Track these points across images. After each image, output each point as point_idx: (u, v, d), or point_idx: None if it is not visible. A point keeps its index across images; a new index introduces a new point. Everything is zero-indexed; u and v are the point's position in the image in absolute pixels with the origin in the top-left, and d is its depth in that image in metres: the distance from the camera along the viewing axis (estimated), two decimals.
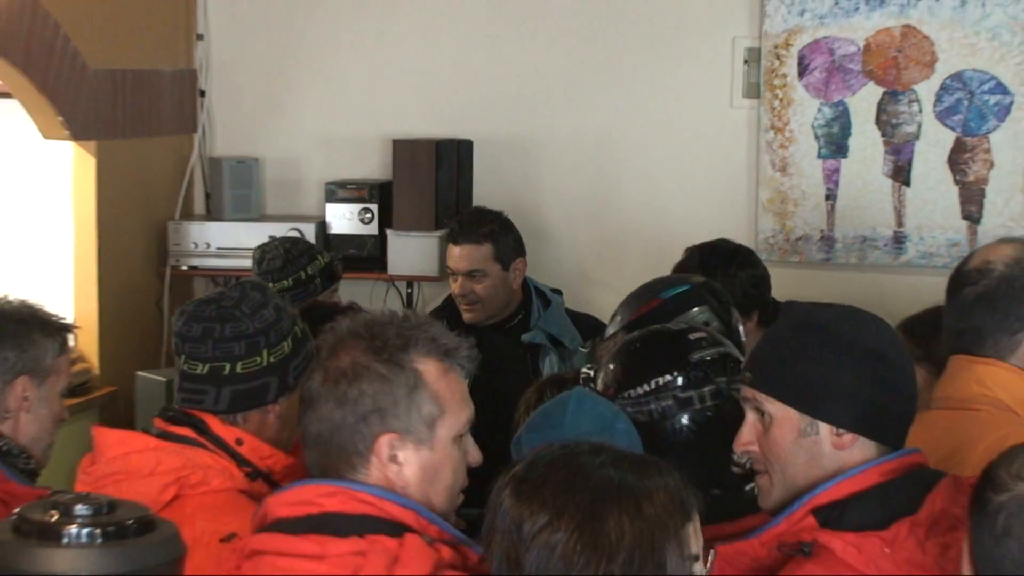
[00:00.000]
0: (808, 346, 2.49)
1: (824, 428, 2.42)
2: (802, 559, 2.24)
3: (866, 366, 2.46)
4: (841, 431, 2.39)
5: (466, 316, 4.69)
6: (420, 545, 2.25)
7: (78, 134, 5.20)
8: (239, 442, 2.92)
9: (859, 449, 2.43)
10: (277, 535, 2.33)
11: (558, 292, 4.93)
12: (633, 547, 1.80)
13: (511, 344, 4.68)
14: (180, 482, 2.82)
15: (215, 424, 2.93)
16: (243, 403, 2.96)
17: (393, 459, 2.29)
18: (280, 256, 4.63)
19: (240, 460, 2.93)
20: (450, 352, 2.34)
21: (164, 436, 2.91)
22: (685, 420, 2.79)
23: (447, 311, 4.80)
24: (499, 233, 4.77)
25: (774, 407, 2.45)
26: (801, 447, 2.45)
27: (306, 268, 4.69)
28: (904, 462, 2.45)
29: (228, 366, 2.95)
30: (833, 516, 2.30)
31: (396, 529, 2.25)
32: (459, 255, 4.70)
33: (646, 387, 2.84)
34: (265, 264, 4.62)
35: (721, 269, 4.17)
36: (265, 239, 4.96)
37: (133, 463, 2.90)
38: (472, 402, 2.61)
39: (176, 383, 3.09)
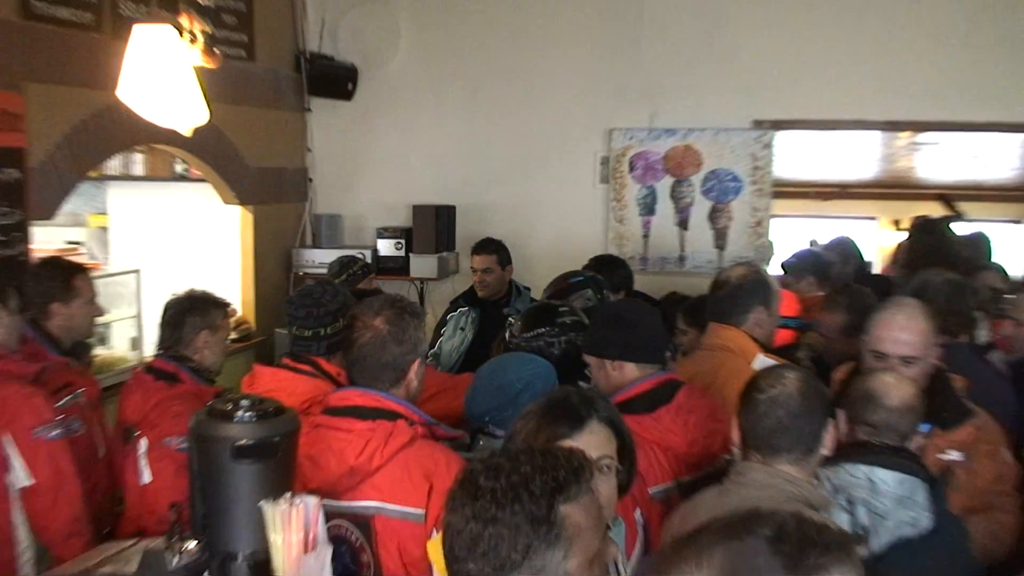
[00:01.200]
0: (601, 322, 3.52)
1: (607, 363, 3.43)
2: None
3: (627, 328, 3.40)
4: (615, 363, 3.39)
5: (480, 293, 6.08)
6: (404, 426, 2.95)
7: (244, 201, 7.07)
8: (338, 373, 3.66)
9: (629, 371, 3.38)
10: (329, 416, 3.01)
11: (528, 288, 6.33)
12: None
13: (499, 315, 5.88)
14: (312, 399, 3.50)
15: (323, 363, 3.77)
16: (333, 349, 3.78)
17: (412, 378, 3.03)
18: (337, 263, 5.90)
19: (338, 384, 3.59)
20: None
21: (294, 370, 3.79)
22: (555, 351, 3.73)
23: (468, 294, 6.23)
24: (500, 249, 6.22)
25: (589, 357, 3.48)
26: (603, 375, 3.45)
27: (350, 268, 5.84)
28: (661, 378, 3.36)
29: (323, 330, 3.83)
30: (625, 407, 3.00)
31: (394, 416, 2.97)
32: (479, 260, 6.17)
33: (531, 333, 3.85)
34: (331, 268, 5.92)
35: (607, 268, 5.43)
36: None
37: (283, 385, 3.69)
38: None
39: (290, 340, 3.95)
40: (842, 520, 2.84)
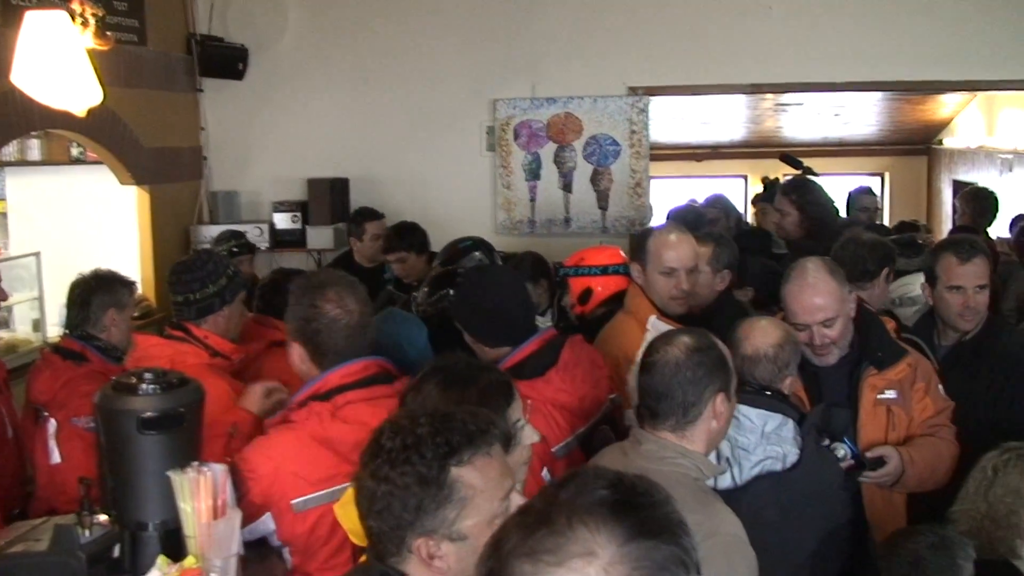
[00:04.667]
0: (464, 301, 3.55)
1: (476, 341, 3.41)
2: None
3: (487, 313, 3.40)
4: (478, 342, 3.39)
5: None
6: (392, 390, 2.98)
7: (140, 182, 6.98)
8: (206, 336, 3.75)
9: (491, 350, 3.35)
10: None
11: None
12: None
13: (379, 279, 5.99)
14: (171, 360, 3.48)
15: (193, 328, 3.76)
16: (203, 313, 3.78)
17: None
18: (218, 237, 6.27)
19: (206, 347, 3.72)
20: None
21: (170, 336, 3.83)
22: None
23: (343, 260, 6.50)
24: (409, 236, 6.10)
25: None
26: (477, 347, 3.40)
27: (227, 241, 6.14)
28: (543, 338, 3.36)
29: (192, 295, 3.78)
30: (516, 373, 2.98)
31: (391, 377, 3.07)
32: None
33: (435, 296, 4.14)
34: (213, 243, 6.28)
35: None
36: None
37: (150, 352, 3.77)
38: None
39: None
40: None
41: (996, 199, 7.29)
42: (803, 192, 5.82)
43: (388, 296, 5.34)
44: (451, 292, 3.92)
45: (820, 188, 5.95)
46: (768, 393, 3.10)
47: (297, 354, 3.07)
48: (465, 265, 4.75)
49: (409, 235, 6.07)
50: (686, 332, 2.84)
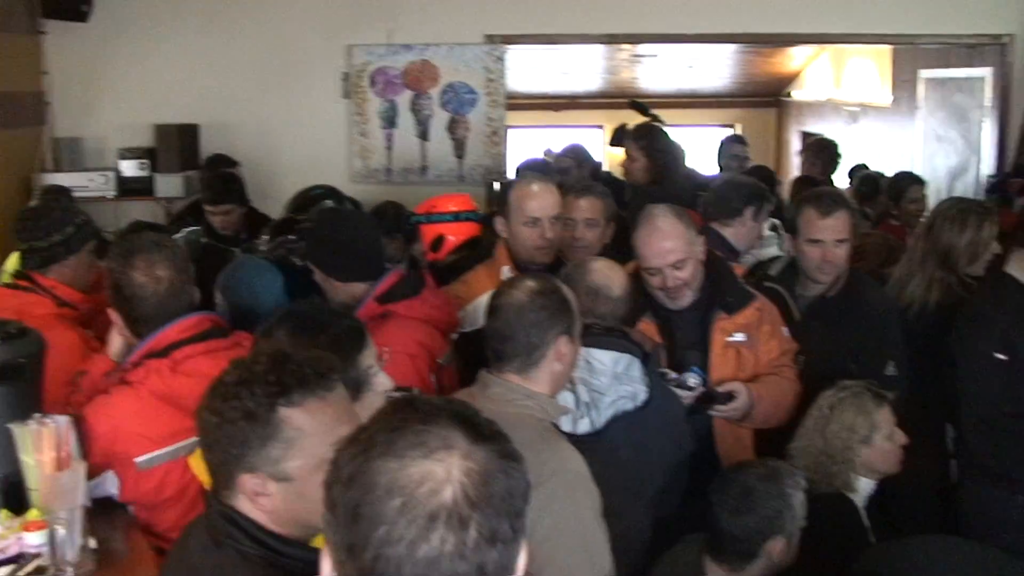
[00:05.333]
0: (320, 238, 3.64)
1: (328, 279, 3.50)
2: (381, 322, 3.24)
3: (344, 248, 3.51)
4: (331, 279, 3.50)
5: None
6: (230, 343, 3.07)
7: None
8: (54, 287, 3.73)
9: (353, 285, 3.47)
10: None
11: None
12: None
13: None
14: (16, 311, 3.42)
15: (38, 277, 3.75)
16: (47, 262, 3.75)
17: None
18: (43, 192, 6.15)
19: (53, 296, 3.72)
20: None
21: (14, 287, 3.81)
22: (296, 259, 3.90)
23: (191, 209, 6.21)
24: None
25: (315, 268, 3.55)
26: (330, 286, 3.55)
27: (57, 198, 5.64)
28: (399, 271, 3.54)
29: (35, 243, 3.77)
30: (388, 297, 3.35)
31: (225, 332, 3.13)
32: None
33: (274, 243, 4.20)
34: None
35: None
36: (85, 183, 6.82)
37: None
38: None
39: None
40: (567, 400, 2.94)
41: (839, 149, 7.61)
42: (650, 138, 5.95)
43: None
44: (291, 238, 3.94)
45: (667, 135, 6.09)
46: (614, 334, 3.15)
47: (115, 319, 3.06)
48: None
49: (235, 185, 5.96)
50: (530, 276, 2.89)
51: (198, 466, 2.11)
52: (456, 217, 4.68)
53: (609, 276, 3.29)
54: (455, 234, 4.65)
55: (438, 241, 4.62)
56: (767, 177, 6.29)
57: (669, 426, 3.17)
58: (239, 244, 5.55)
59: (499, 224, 4.09)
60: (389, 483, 1.32)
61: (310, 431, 1.88)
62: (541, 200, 4.01)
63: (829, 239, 3.96)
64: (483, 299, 3.14)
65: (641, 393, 3.08)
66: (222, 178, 6.09)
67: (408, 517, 1.30)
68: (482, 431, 1.39)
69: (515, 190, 4.09)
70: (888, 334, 4.02)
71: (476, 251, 4.61)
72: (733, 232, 4.46)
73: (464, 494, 1.31)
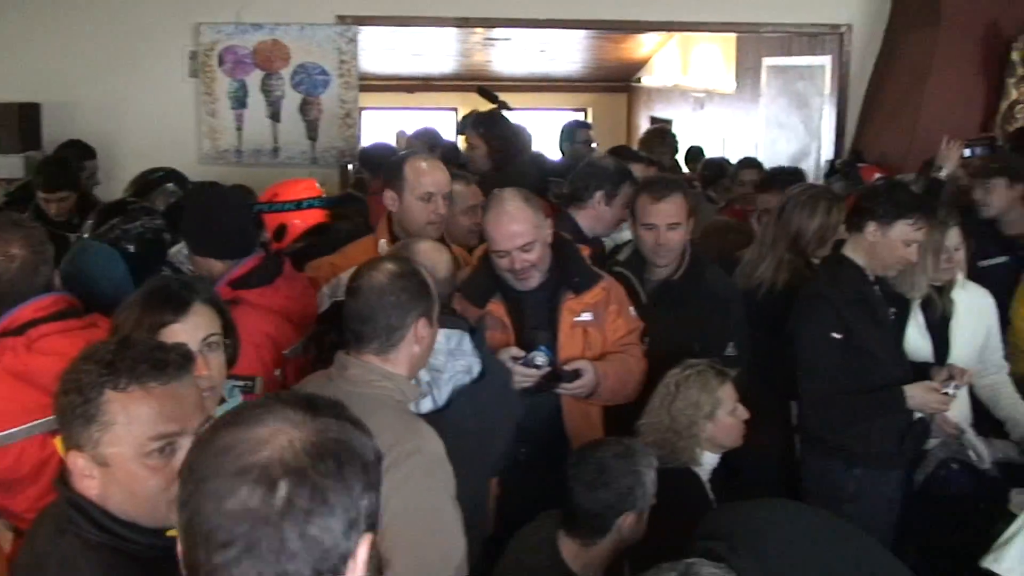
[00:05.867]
0: (188, 214, 3.67)
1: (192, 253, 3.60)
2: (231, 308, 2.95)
3: (210, 225, 3.52)
4: (193, 253, 3.57)
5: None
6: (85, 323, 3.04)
7: None
8: None
9: (215, 263, 3.49)
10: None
11: None
12: None
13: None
14: None
15: None
16: None
17: None
18: None
19: None
20: None
21: None
22: (129, 245, 3.79)
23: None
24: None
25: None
26: (195, 262, 3.58)
27: None
28: (260, 256, 3.55)
29: None
30: (243, 283, 3.37)
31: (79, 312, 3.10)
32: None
33: (106, 226, 3.90)
34: None
35: None
36: None
37: None
38: None
39: None
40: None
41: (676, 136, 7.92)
42: (489, 125, 6.03)
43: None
44: (118, 221, 3.84)
45: (507, 122, 6.17)
46: (444, 312, 3.20)
47: None
48: (155, 199, 4.72)
49: (70, 171, 5.79)
50: (390, 259, 2.92)
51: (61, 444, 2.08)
52: (299, 206, 4.60)
53: (434, 258, 3.33)
54: (300, 221, 4.58)
55: (280, 230, 4.54)
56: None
57: (503, 393, 3.25)
58: (73, 230, 5.30)
59: (389, 198, 4.06)
60: (221, 445, 1.34)
61: (126, 419, 1.88)
62: (435, 175, 4.03)
63: (662, 223, 4.03)
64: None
65: (475, 365, 3.14)
66: (58, 163, 5.91)
67: (223, 472, 1.31)
68: (319, 408, 1.40)
69: (409, 165, 4.06)
70: (729, 316, 4.13)
71: (324, 237, 4.59)
72: (584, 216, 4.52)
73: (281, 458, 1.31)
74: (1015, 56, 7.10)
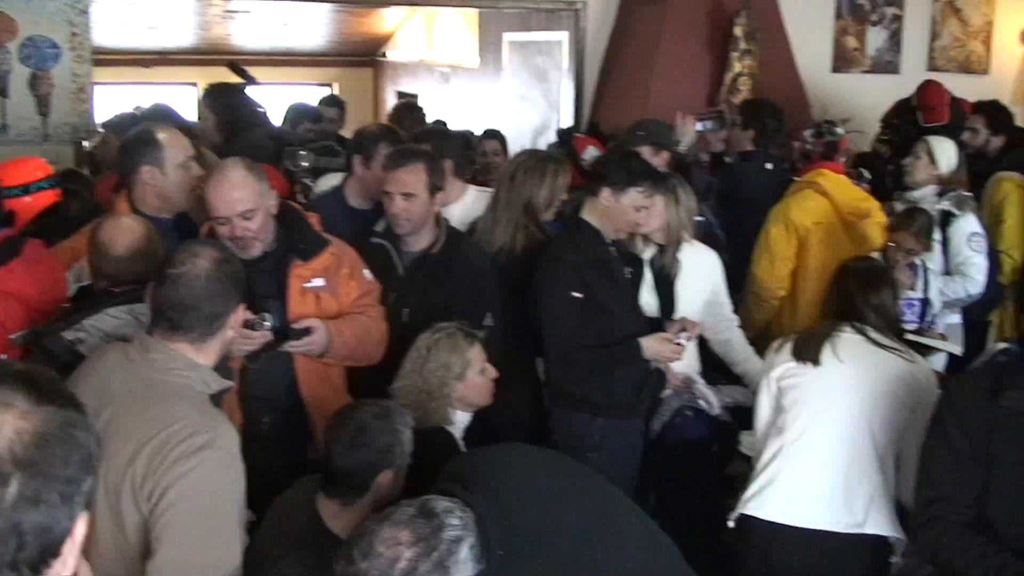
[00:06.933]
0: None
1: None
2: None
3: None
4: None
5: None
6: None
7: None
8: None
9: None
10: None
11: None
12: None
13: None
14: None
15: None
16: None
17: None
18: None
19: None
20: None
21: None
22: None
23: None
24: None
25: None
26: None
27: None
28: (3, 234, 3.61)
29: None
30: None
31: None
32: None
33: None
34: None
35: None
36: None
37: None
38: None
39: None
40: None
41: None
42: (217, 96, 6.08)
43: None
44: None
45: (238, 94, 6.27)
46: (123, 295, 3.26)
47: None
48: None
49: None
50: (208, 244, 2.94)
51: None
52: (26, 190, 4.42)
53: (112, 234, 3.33)
54: (31, 203, 4.41)
55: (7, 216, 4.36)
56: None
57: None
58: None
59: (145, 173, 3.96)
60: None
61: None
62: (185, 142, 4.03)
63: (396, 192, 4.10)
64: None
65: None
66: None
67: None
68: (45, 393, 1.40)
69: (164, 135, 4.02)
70: (485, 287, 4.28)
71: (55, 218, 4.46)
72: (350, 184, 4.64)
73: (10, 450, 1.32)
74: (738, 31, 7.60)
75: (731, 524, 3.78)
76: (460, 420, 3.66)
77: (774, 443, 3.73)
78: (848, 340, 3.70)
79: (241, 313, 2.77)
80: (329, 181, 5.31)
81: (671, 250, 4.49)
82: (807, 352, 3.70)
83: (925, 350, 4.85)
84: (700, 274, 4.63)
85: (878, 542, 3.63)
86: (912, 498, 3.25)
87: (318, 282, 3.74)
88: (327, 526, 3.06)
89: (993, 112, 6.49)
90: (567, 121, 8.34)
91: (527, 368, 4.43)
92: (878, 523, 3.59)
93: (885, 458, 3.62)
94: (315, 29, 12.52)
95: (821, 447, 3.64)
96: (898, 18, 9.13)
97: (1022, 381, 2.75)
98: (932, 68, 9.21)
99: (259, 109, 6.34)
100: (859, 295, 3.78)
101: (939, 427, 2.89)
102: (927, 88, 6.81)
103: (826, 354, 3.67)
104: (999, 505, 2.74)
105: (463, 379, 3.61)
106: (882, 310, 3.78)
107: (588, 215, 4.23)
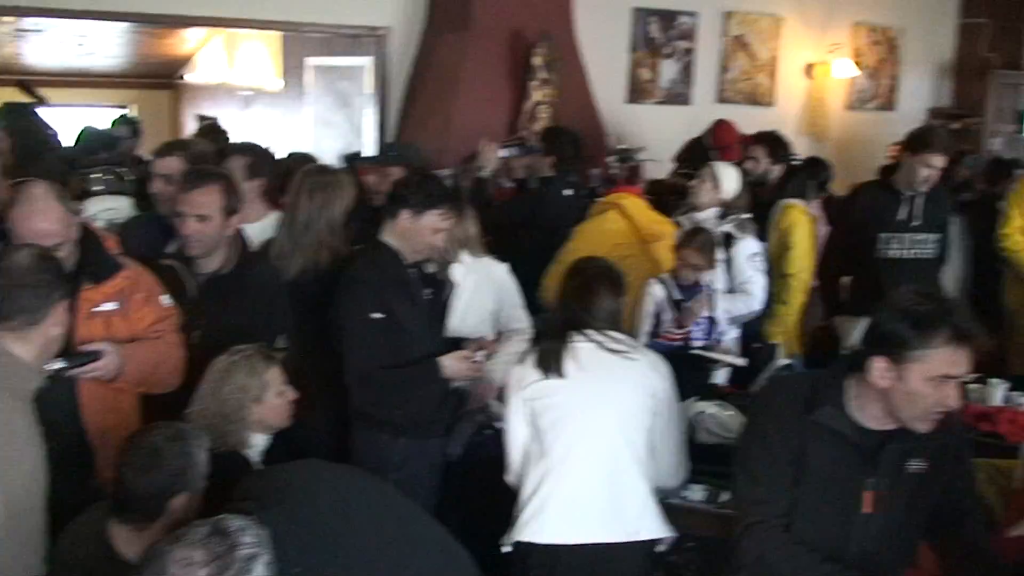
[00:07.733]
0: None
1: None
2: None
3: None
4: None
5: None
6: None
7: None
8: None
9: None
10: None
11: None
12: None
13: None
14: None
15: None
16: None
17: None
18: None
19: None
20: None
21: None
22: None
23: None
24: None
25: None
26: None
27: None
28: None
29: None
30: None
31: None
32: None
33: None
34: None
35: None
36: None
37: None
38: None
39: None
40: None
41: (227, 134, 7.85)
42: (14, 118, 6.02)
43: None
44: None
45: (33, 116, 6.27)
46: None
47: None
48: None
49: None
50: (24, 244, 3.16)
51: None
52: None
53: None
54: None
55: None
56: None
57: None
58: None
59: None
60: None
61: None
62: None
63: (190, 213, 4.04)
64: None
65: None
66: None
67: None
68: None
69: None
70: (276, 309, 4.24)
71: None
72: None
73: None
74: (536, 61, 7.82)
75: (507, 550, 3.79)
76: (258, 443, 3.60)
77: (539, 465, 3.75)
78: (583, 349, 3.77)
79: (63, 311, 2.91)
80: (103, 203, 5.27)
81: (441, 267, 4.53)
82: (550, 365, 3.75)
83: (713, 364, 5.11)
84: (485, 288, 4.75)
85: (652, 543, 3.76)
86: (671, 482, 3.72)
87: (109, 306, 3.63)
88: (119, 552, 2.98)
89: (772, 142, 6.83)
90: (370, 146, 8.36)
91: (329, 388, 4.38)
92: (651, 528, 3.71)
93: (645, 461, 3.73)
94: (112, 49, 12.20)
95: (587, 463, 3.70)
96: (690, 51, 9.57)
97: (835, 397, 2.85)
98: (721, 100, 9.68)
99: (49, 131, 6.16)
100: (577, 306, 3.84)
101: (758, 430, 2.99)
102: (719, 128, 7.16)
103: (569, 366, 3.74)
104: (804, 516, 2.85)
105: (261, 401, 3.56)
106: (602, 314, 3.83)
107: (388, 236, 4.26)
